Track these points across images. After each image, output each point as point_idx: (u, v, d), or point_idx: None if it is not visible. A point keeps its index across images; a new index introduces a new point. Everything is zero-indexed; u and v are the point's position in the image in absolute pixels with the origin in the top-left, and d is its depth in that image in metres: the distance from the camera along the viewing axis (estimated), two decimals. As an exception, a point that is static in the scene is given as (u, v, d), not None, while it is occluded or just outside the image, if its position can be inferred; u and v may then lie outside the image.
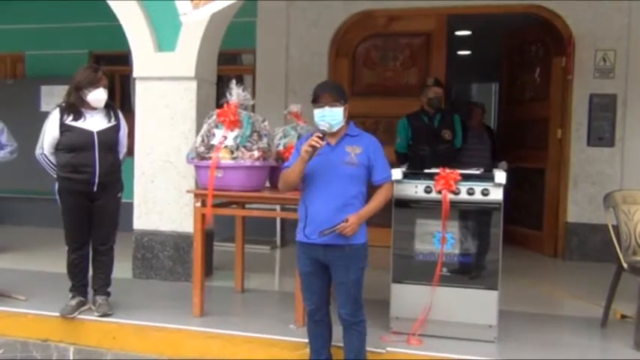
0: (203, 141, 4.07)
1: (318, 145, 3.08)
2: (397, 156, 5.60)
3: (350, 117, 3.32)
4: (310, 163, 3.17)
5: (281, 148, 4.27)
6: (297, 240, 3.30)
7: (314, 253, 3.22)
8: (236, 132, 4.03)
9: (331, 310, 3.35)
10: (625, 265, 3.92)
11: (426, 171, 3.88)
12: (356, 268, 3.21)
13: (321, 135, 3.11)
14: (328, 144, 3.22)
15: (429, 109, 5.60)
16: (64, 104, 4.08)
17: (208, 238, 4.86)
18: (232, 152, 3.98)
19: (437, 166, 3.87)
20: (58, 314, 4.08)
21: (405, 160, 5.41)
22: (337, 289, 3.25)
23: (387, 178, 3.31)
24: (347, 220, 3.10)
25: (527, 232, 6.90)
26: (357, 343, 3.28)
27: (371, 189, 3.29)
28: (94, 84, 4.00)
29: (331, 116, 3.18)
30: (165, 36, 5.06)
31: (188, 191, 4.49)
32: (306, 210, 3.23)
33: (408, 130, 5.57)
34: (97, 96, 4.02)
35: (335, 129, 3.22)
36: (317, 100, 3.22)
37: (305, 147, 3.11)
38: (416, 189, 3.77)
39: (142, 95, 5.17)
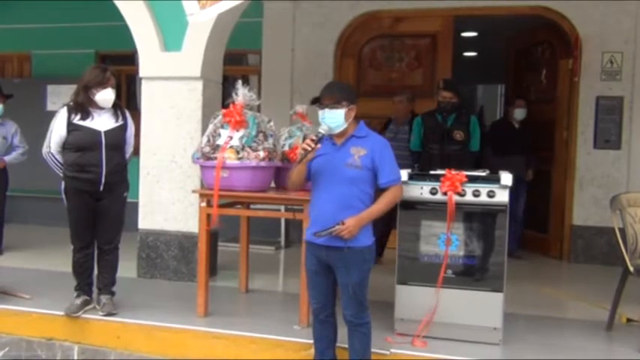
0: (209, 141, 4.08)
1: (308, 149, 3.09)
2: (411, 155, 5.56)
3: (355, 118, 3.31)
4: (315, 163, 3.19)
5: (286, 148, 4.28)
6: (305, 238, 3.33)
7: (318, 253, 3.22)
8: (242, 132, 4.03)
9: (337, 311, 3.35)
10: (631, 268, 3.90)
11: (432, 172, 3.87)
12: (358, 271, 3.18)
13: (314, 139, 3.11)
14: (334, 144, 3.23)
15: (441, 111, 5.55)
16: (71, 103, 4.08)
17: (213, 238, 4.86)
18: (238, 152, 3.98)
19: (446, 167, 3.85)
20: (62, 313, 4.09)
21: (418, 159, 5.39)
22: (341, 291, 3.25)
23: (393, 180, 3.24)
24: (343, 223, 3.09)
25: (532, 234, 6.87)
26: (361, 344, 3.26)
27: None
28: (102, 84, 4.00)
29: (331, 118, 3.17)
30: (171, 36, 5.07)
31: (193, 191, 4.49)
32: (312, 210, 3.27)
33: (421, 129, 5.53)
34: (105, 96, 4.02)
35: (336, 131, 3.20)
36: (319, 102, 3.23)
37: (299, 149, 3.12)
38: (421, 190, 3.76)
39: (148, 95, 5.17)
